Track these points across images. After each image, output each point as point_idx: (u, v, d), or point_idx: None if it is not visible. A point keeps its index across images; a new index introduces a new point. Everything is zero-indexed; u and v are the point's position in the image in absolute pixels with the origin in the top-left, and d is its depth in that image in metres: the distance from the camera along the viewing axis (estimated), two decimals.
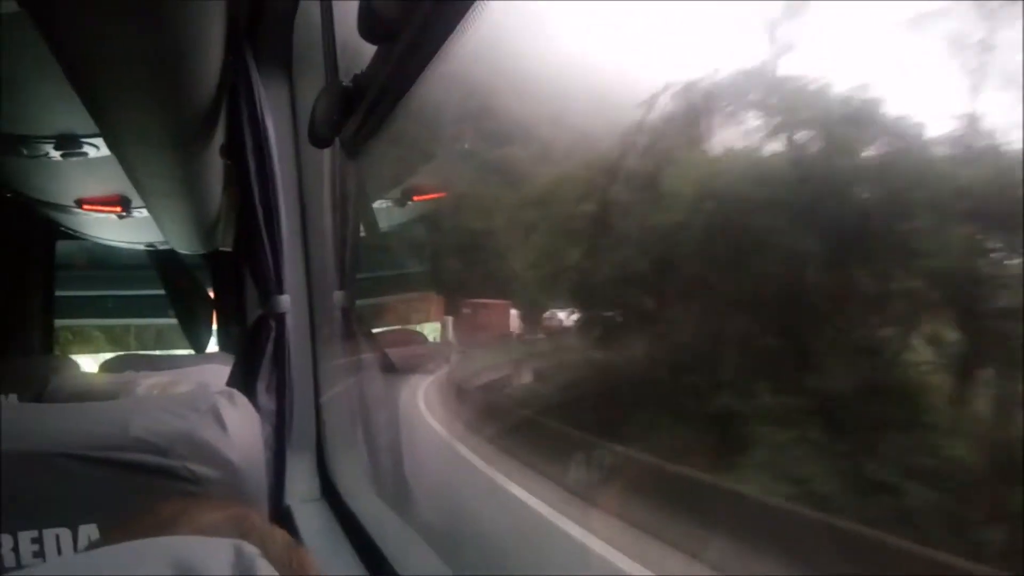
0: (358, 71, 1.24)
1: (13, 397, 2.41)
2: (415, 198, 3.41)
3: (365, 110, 1.20)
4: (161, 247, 4.06)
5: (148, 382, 2.11)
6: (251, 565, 0.57)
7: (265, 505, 1.25)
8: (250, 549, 0.58)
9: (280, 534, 0.67)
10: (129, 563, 0.54)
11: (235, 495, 1.11)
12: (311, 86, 1.44)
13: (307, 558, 0.64)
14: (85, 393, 2.14)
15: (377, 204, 3.27)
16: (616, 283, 5.49)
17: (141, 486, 1.04)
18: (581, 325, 6.66)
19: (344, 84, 1.25)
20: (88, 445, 1.04)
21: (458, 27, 0.87)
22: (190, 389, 2.10)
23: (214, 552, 0.56)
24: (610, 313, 6.02)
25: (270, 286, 1.93)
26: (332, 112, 1.28)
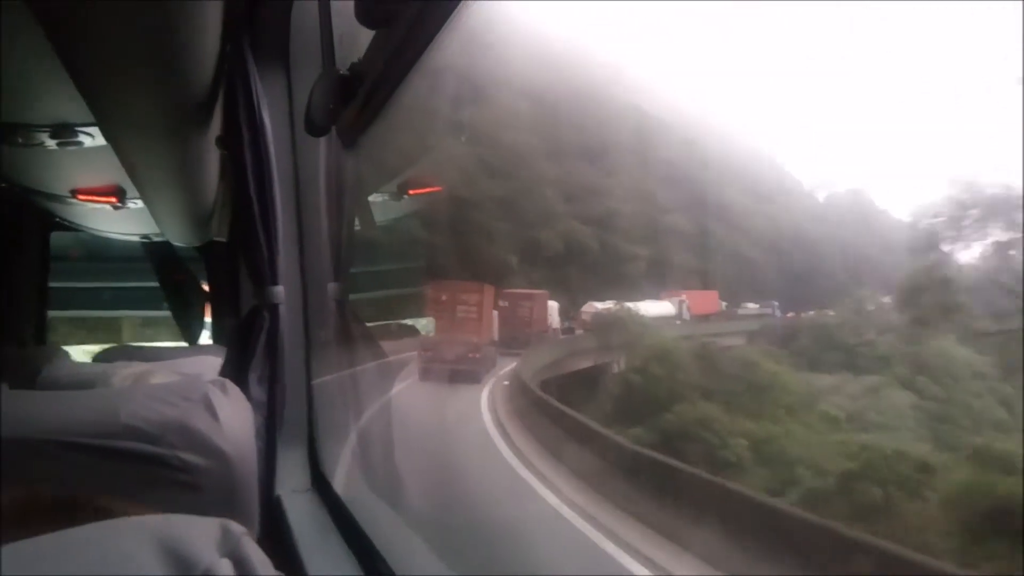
0: (355, 60, 1.24)
1: (4, 386, 2.40)
2: (411, 191, 3.41)
3: (362, 98, 1.20)
4: (156, 239, 4.06)
5: (139, 370, 2.11)
6: (238, 544, 0.57)
7: (255, 495, 1.25)
8: (237, 528, 0.58)
9: None
10: (113, 539, 0.54)
11: (226, 484, 1.11)
12: (308, 76, 1.44)
13: None
14: (77, 382, 2.14)
15: (373, 197, 3.27)
16: None
17: (131, 474, 1.04)
18: None
19: (341, 72, 1.25)
20: (78, 432, 1.03)
21: (455, 12, 0.87)
22: (181, 379, 2.10)
23: (200, 531, 0.56)
24: None
25: (264, 277, 1.93)
26: (328, 100, 1.28)
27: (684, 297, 37.61)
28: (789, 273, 42.72)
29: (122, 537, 0.54)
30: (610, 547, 8.72)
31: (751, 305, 40.77)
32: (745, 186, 47.41)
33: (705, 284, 39.20)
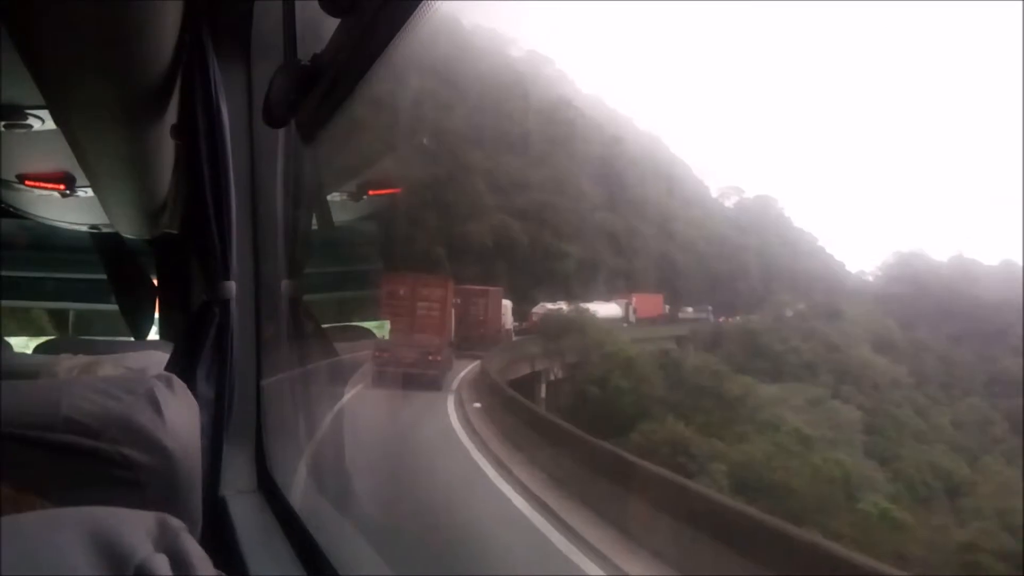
0: (318, 52, 1.21)
1: None
2: (371, 192, 3.37)
3: (323, 90, 1.18)
4: (105, 230, 3.97)
5: (84, 362, 2.05)
6: (175, 539, 0.55)
7: (199, 494, 1.22)
8: (175, 523, 0.56)
9: None
10: (42, 530, 0.51)
11: (168, 482, 1.07)
12: (269, 67, 1.41)
13: None
14: (19, 372, 2.07)
15: (332, 196, 3.23)
16: None
17: (70, 468, 1.00)
18: None
19: (303, 63, 1.23)
20: (15, 423, 0.99)
21: (422, 3, 0.86)
22: (126, 372, 2.04)
23: (135, 524, 0.54)
24: None
25: (216, 272, 1.89)
26: (289, 91, 1.25)
27: (632, 300, 37.81)
28: (712, 277, 43.07)
29: (52, 528, 0.51)
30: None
31: (688, 309, 41.12)
32: (669, 189, 47.79)
33: (633, 286, 38.97)
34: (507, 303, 31.64)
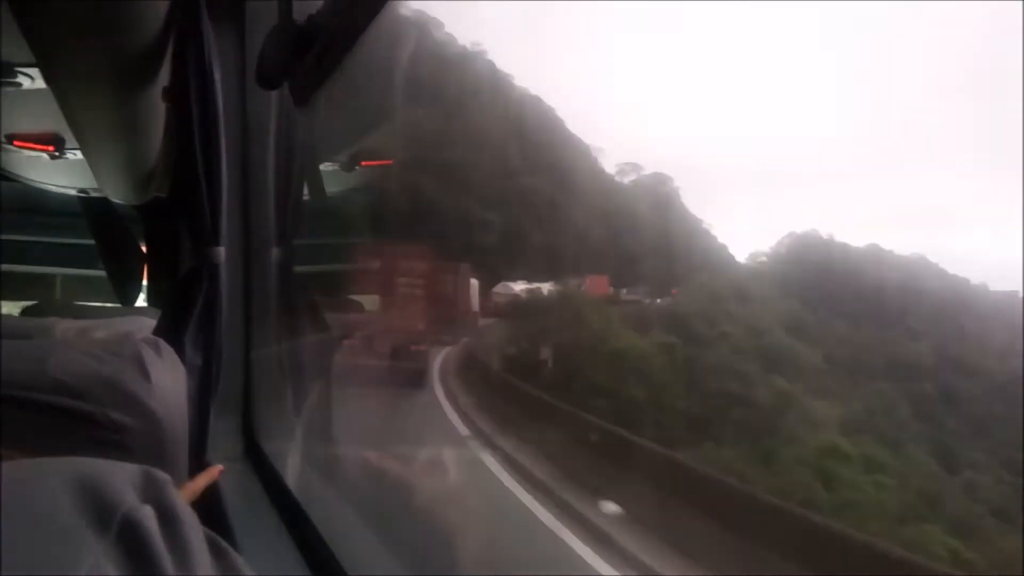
0: (314, 12, 1.20)
1: None
2: (363, 163, 3.34)
3: (318, 52, 1.16)
4: (94, 194, 3.93)
5: (76, 326, 2.03)
6: (162, 492, 0.54)
7: (185, 460, 1.21)
8: (161, 475, 0.55)
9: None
10: (28, 478, 0.50)
11: (154, 446, 1.06)
12: (264, 28, 1.38)
13: None
14: (11, 334, 2.06)
15: (324, 167, 3.20)
16: None
17: (55, 429, 0.99)
18: None
19: (298, 23, 1.21)
20: (1, 383, 0.98)
21: None
22: (113, 335, 2.03)
23: (121, 476, 0.53)
24: None
25: (206, 237, 1.87)
26: (283, 52, 1.23)
27: (585, 281, 36.28)
28: (629, 256, 40.85)
29: (37, 476, 0.50)
30: None
31: (623, 291, 39.61)
32: (584, 164, 45.31)
33: (553, 262, 35.77)
34: (474, 282, 27.96)
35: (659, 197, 46.50)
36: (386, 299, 18.19)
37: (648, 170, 47.69)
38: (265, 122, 2.16)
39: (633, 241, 40.63)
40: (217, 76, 1.78)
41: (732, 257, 48.09)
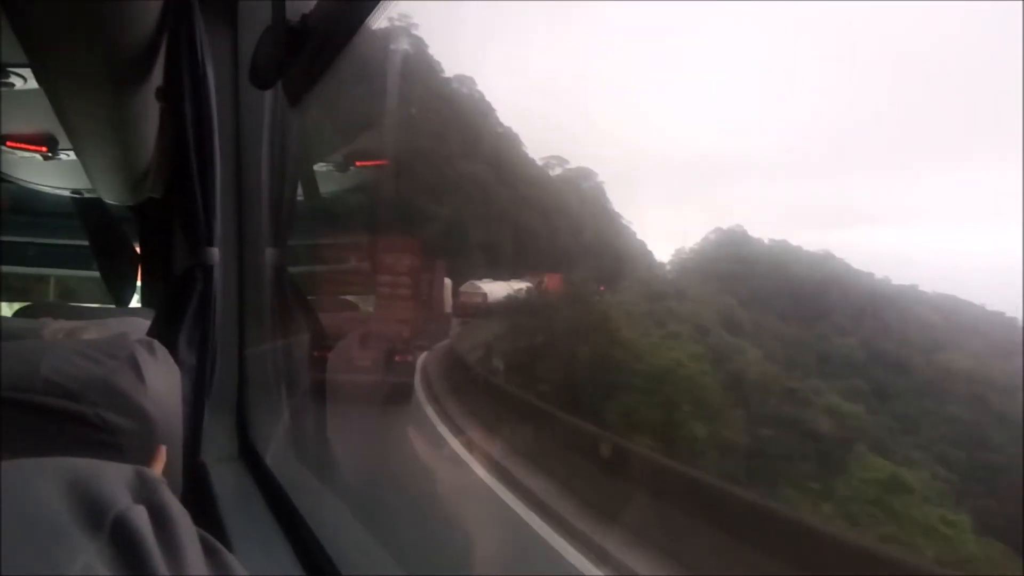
0: (307, 13, 1.20)
1: None
2: (358, 163, 3.34)
3: (311, 51, 1.16)
4: (88, 195, 3.93)
5: (70, 326, 2.03)
6: (154, 492, 0.54)
7: (179, 461, 1.21)
8: (154, 476, 0.55)
9: None
10: (22, 478, 0.50)
11: (148, 447, 1.06)
12: (257, 29, 1.38)
13: None
14: (3, 335, 2.05)
15: (318, 167, 3.20)
16: None
17: (48, 430, 0.99)
18: None
19: (291, 23, 1.21)
20: None
21: None
22: (107, 336, 2.03)
23: (114, 476, 0.53)
24: None
25: (199, 237, 1.87)
26: (276, 52, 1.24)
27: (544, 279, 33.57)
28: (563, 253, 38.46)
29: (31, 476, 0.51)
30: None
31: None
32: (516, 154, 42.49)
33: (495, 257, 33.11)
34: (448, 281, 25.55)
35: (585, 192, 45.12)
36: (368, 301, 16.16)
37: (573, 164, 45.67)
38: (259, 122, 2.16)
39: (570, 237, 39.31)
40: (211, 76, 1.78)
41: (651, 253, 46.88)
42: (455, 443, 12.11)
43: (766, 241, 46.89)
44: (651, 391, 20.10)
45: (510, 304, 29.54)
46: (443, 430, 13.08)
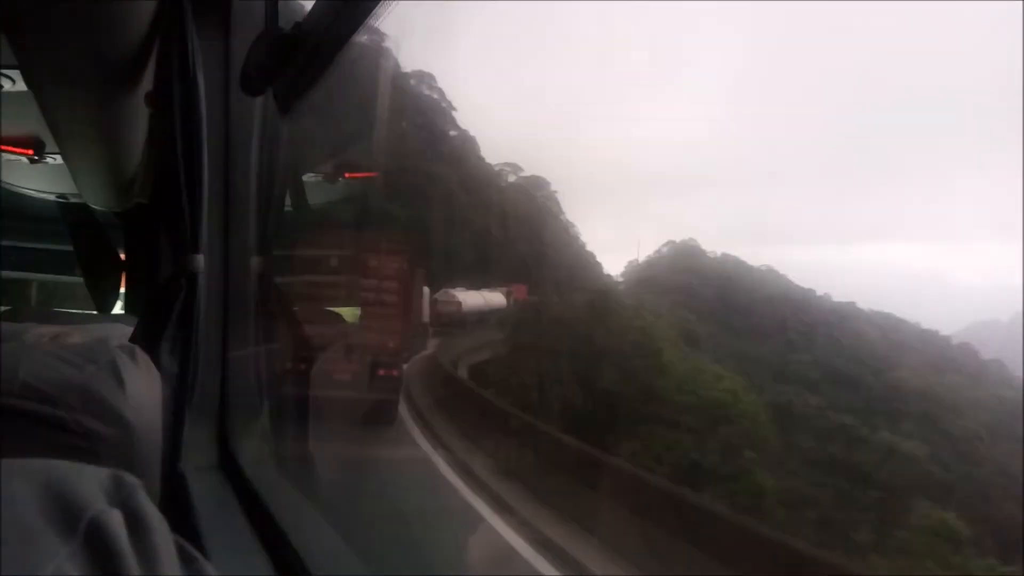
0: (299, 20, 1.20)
1: None
2: (347, 175, 3.34)
3: (303, 59, 1.16)
4: (73, 200, 3.91)
5: (51, 331, 2.01)
6: (131, 495, 0.53)
7: (157, 468, 1.20)
8: (130, 479, 0.55)
9: None
10: None
11: (126, 454, 1.05)
12: (249, 36, 1.38)
13: None
14: None
15: (307, 178, 3.20)
16: None
17: (25, 434, 0.98)
18: None
19: (283, 31, 1.21)
20: None
21: None
22: (88, 341, 2.01)
23: (89, 478, 0.53)
24: None
25: (185, 243, 1.86)
26: (268, 59, 1.24)
27: (512, 289, 34.24)
28: (520, 261, 37.59)
29: (3, 477, 0.50)
30: None
31: (533, 299, 35.82)
32: (476, 159, 41.55)
33: (453, 264, 30.75)
34: (426, 289, 23.02)
35: (538, 200, 44.53)
36: (351, 309, 14.61)
37: (527, 172, 45.51)
38: (248, 129, 2.16)
39: (527, 246, 38.47)
40: (201, 82, 1.78)
41: (600, 265, 46.49)
42: (451, 472, 10.97)
43: (714, 255, 47.01)
44: (695, 428, 17.42)
45: (509, 315, 28.91)
46: (430, 452, 12.09)
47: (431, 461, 11.64)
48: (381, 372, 13.53)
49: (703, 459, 16.19)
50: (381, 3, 0.91)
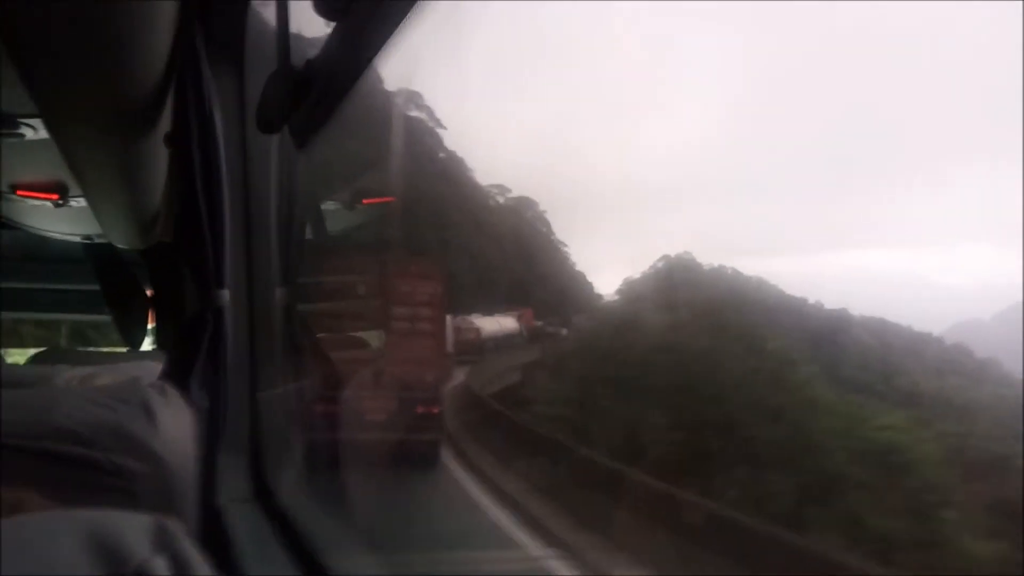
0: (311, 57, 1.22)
1: None
2: (365, 201, 3.37)
3: (317, 96, 1.18)
4: (98, 240, 3.96)
5: (83, 373, 2.04)
6: (174, 542, 0.54)
7: (194, 504, 1.21)
8: (174, 526, 0.56)
9: None
10: (43, 532, 0.51)
11: (162, 491, 1.07)
12: (263, 74, 1.40)
13: None
14: (15, 383, 2.06)
15: (325, 205, 3.23)
16: None
17: (63, 477, 0.99)
18: None
19: (296, 68, 1.23)
20: (8, 433, 0.98)
21: (414, 7, 0.86)
22: (120, 381, 2.03)
23: (133, 527, 0.54)
24: None
25: (209, 280, 1.89)
26: (282, 97, 1.25)
27: (522, 313, 33.46)
28: (517, 283, 37.03)
29: (52, 529, 0.51)
30: None
31: (537, 323, 35.48)
32: (468, 180, 40.48)
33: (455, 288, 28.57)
34: (448, 317, 19.88)
35: (527, 221, 43.98)
36: (382, 340, 13.29)
37: (514, 193, 44.35)
38: (266, 166, 2.19)
39: (523, 268, 38.03)
40: (218, 121, 1.81)
41: (592, 284, 45.54)
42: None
43: (711, 267, 46.54)
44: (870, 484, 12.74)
45: (546, 342, 27.90)
46: (491, 506, 10.65)
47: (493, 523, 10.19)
48: (419, 410, 12.07)
49: (889, 525, 12.15)
50: (390, 39, 0.92)
